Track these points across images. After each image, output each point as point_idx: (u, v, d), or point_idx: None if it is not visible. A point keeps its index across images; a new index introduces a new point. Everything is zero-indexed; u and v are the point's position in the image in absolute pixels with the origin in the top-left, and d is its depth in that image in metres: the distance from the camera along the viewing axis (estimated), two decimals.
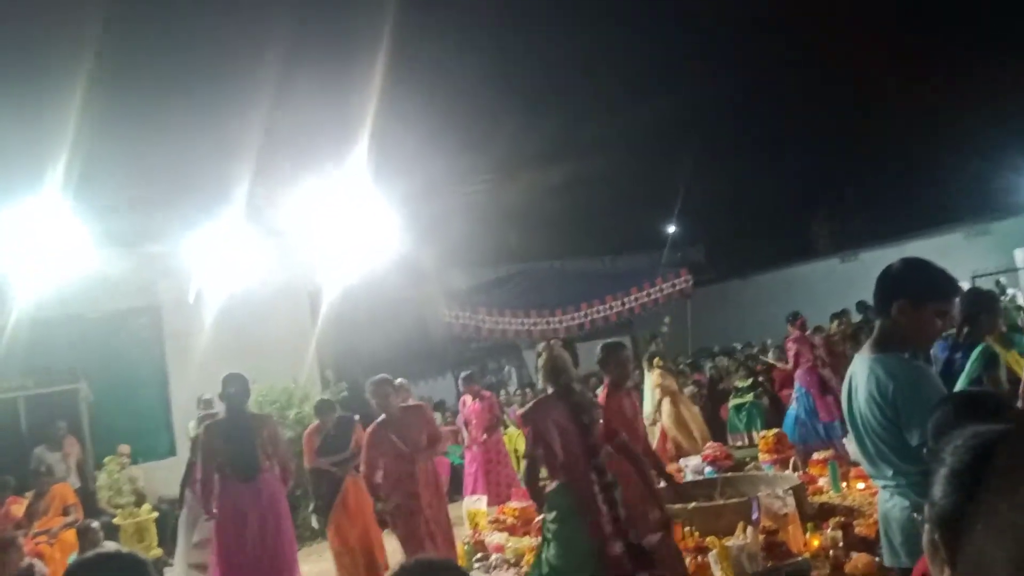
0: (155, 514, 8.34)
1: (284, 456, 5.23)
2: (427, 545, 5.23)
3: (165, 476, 9.14)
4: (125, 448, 9.06)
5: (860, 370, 2.64)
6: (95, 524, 6.94)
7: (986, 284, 11.75)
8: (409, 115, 11.59)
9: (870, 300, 10.12)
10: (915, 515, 1.29)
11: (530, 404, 3.98)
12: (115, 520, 8.15)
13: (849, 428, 2.75)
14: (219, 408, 6.42)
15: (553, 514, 3.80)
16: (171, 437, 9.62)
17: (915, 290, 2.57)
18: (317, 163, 9.27)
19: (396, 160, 10.38)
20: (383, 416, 5.57)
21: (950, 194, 21.60)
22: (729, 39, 24.16)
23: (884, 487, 2.62)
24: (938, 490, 1.06)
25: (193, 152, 8.96)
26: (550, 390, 3.90)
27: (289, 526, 5.28)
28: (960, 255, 14.30)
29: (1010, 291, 12.84)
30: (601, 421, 3.89)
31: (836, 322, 11.05)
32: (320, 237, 9.49)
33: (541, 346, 4.01)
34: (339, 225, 9.47)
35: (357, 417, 6.69)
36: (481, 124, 15.54)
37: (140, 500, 8.65)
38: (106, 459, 8.91)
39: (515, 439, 11.52)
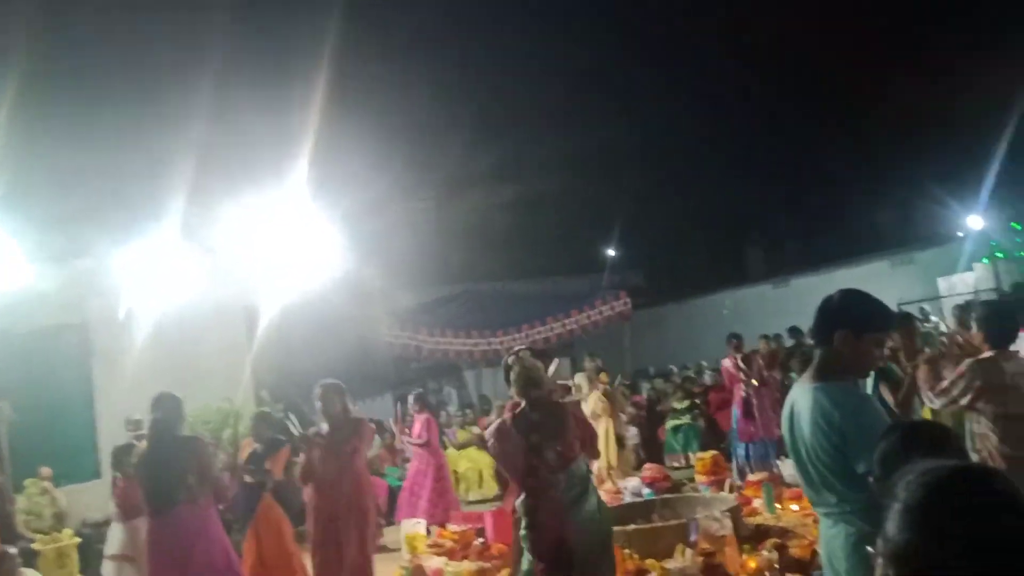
0: (77, 539, 8.00)
1: (215, 480, 4.97)
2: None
3: (89, 499, 8.79)
4: (47, 470, 8.68)
5: (802, 398, 2.67)
6: (12, 550, 6.60)
7: (911, 312, 12.20)
8: (351, 132, 11.48)
9: (801, 325, 10.50)
10: (868, 548, 1.31)
11: (493, 427, 3.93)
12: (34, 545, 7.79)
13: (791, 455, 2.77)
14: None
15: (522, 523, 3.82)
16: (96, 459, 9.25)
17: (855, 321, 2.63)
18: (255, 178, 9.08)
19: (337, 177, 10.25)
20: (323, 426, 5.54)
21: (877, 224, 22.49)
22: (671, 70, 24.78)
23: (827, 514, 2.64)
24: (891, 526, 1.07)
25: (126, 166, 8.69)
26: (520, 403, 3.87)
27: (220, 552, 5.02)
28: (886, 283, 14.85)
29: (933, 319, 13.34)
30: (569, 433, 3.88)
31: (764, 342, 11.33)
32: (257, 254, 9.29)
33: (511, 358, 3.93)
34: (277, 242, 9.30)
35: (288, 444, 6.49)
36: (425, 144, 15.51)
37: (61, 524, 8.30)
38: (26, 481, 8.53)
39: (455, 460, 11.45)
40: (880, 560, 1.10)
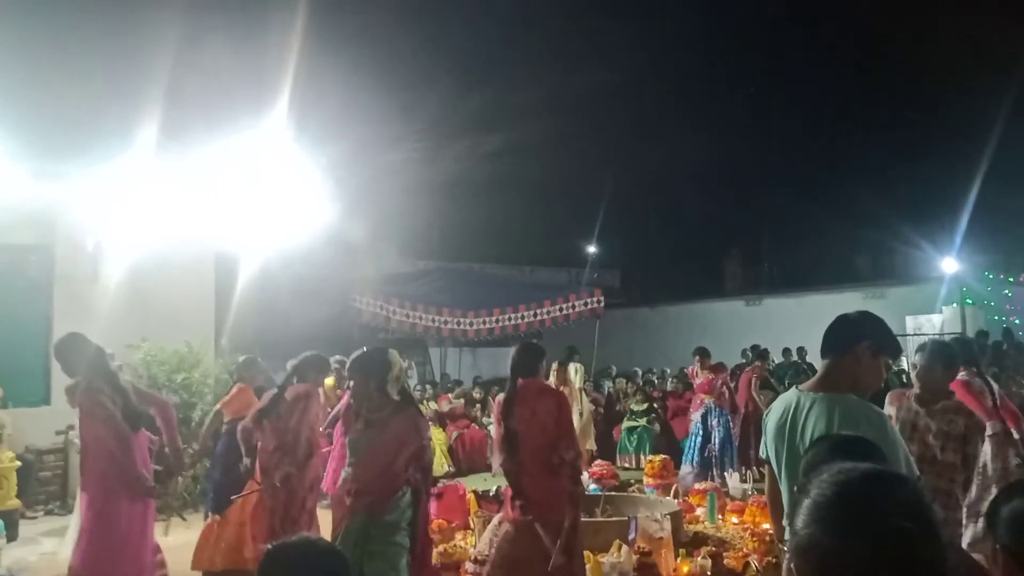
0: (17, 463, 7.88)
1: None
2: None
3: (35, 425, 8.68)
4: None
5: (812, 406, 2.60)
6: None
7: None
8: (335, 76, 11.17)
9: (764, 344, 10.58)
10: (779, 545, 1.33)
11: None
12: None
13: (782, 465, 2.66)
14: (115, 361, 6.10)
15: None
16: (47, 385, 9.09)
17: (877, 337, 2.67)
18: (238, 116, 8.88)
19: (321, 130, 10.05)
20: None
21: (852, 257, 22.81)
22: (667, 69, 24.74)
23: None
24: (800, 520, 1.09)
25: (105, 94, 8.44)
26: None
27: None
28: None
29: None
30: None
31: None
32: (236, 196, 9.12)
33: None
34: (258, 187, 9.13)
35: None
36: (410, 109, 15.17)
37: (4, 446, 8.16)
38: None
39: None
40: (786, 555, 1.13)
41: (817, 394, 2.63)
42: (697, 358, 10.00)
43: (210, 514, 6.35)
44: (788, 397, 2.74)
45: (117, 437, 4.60)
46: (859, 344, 2.64)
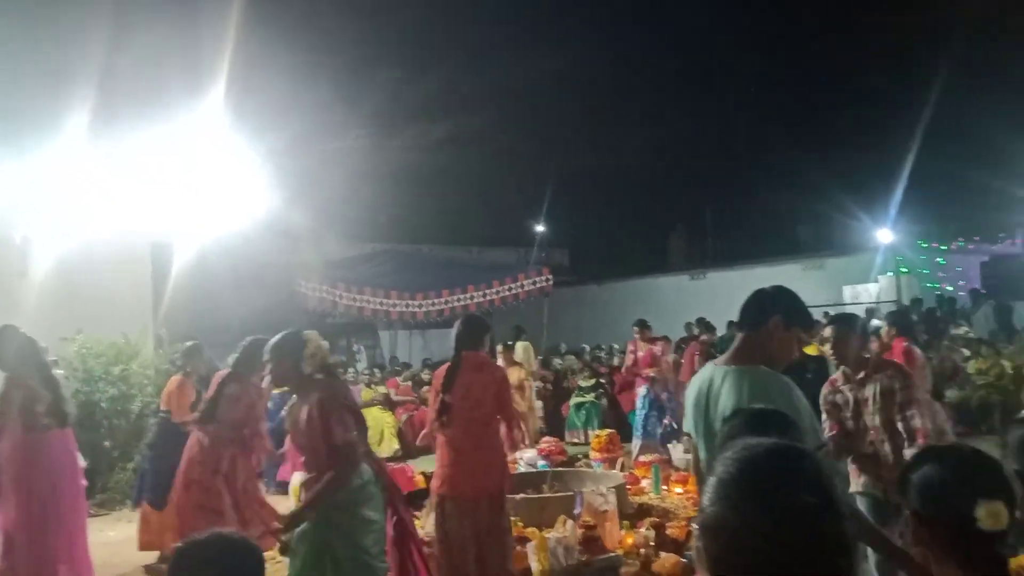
0: None
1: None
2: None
3: None
4: None
5: (726, 379, 2.67)
6: None
7: (816, 315, 12.65)
8: (275, 61, 10.91)
9: (710, 316, 10.75)
10: (693, 524, 1.35)
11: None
12: None
13: (700, 435, 2.74)
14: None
15: None
16: None
17: (789, 311, 2.74)
18: (173, 101, 8.63)
19: (261, 116, 9.85)
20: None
21: (794, 228, 23.31)
22: (607, 50, 24.86)
23: None
24: (705, 498, 1.09)
25: (32, 82, 8.12)
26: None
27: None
28: (796, 285, 15.19)
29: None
30: None
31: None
32: (172, 184, 8.89)
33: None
34: (195, 174, 8.92)
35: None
36: (356, 88, 14.89)
37: None
38: None
39: None
40: (696, 532, 1.13)
41: (729, 367, 2.71)
42: (637, 330, 10.12)
43: (144, 502, 6.27)
44: (705, 372, 2.82)
45: None
46: (771, 318, 2.71)
